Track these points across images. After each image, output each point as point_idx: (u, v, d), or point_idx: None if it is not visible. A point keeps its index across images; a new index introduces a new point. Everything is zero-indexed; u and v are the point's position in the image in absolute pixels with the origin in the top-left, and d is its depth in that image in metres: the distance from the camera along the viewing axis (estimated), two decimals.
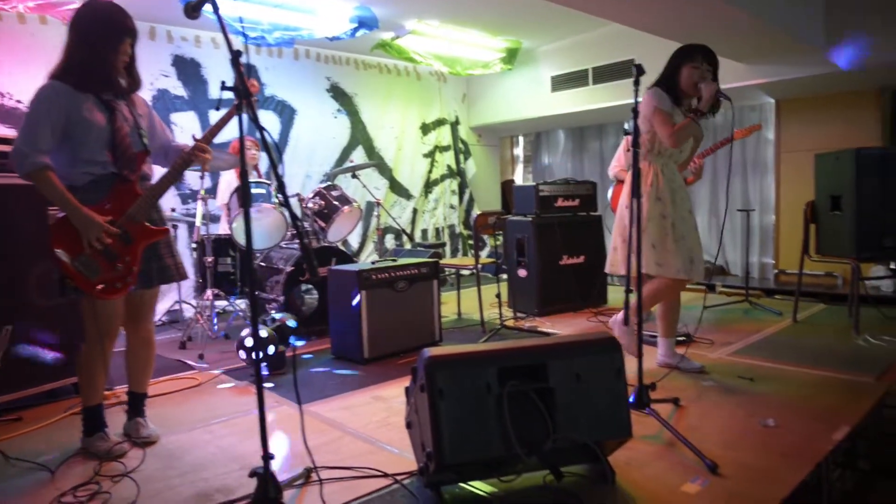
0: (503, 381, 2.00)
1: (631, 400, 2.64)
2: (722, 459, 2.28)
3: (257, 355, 1.99)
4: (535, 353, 2.13)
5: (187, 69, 5.81)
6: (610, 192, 5.25)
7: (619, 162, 5.05)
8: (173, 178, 2.59)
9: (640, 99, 2.84)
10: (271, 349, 3.70)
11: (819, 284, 6.05)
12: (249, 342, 3.68)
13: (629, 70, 6.95)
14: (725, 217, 6.77)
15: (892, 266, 5.50)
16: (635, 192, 2.77)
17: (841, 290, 5.74)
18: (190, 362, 4.02)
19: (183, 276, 2.75)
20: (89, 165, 2.45)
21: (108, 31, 2.43)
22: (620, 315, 3.32)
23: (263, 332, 3.68)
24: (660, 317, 3.55)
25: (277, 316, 3.99)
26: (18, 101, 4.78)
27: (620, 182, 5.03)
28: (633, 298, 2.98)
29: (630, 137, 3.20)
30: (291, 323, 3.94)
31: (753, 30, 4.62)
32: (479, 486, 2.19)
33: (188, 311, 5.18)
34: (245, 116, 2.03)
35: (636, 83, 2.72)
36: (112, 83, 2.50)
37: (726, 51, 5.40)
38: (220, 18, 2.04)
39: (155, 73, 5.58)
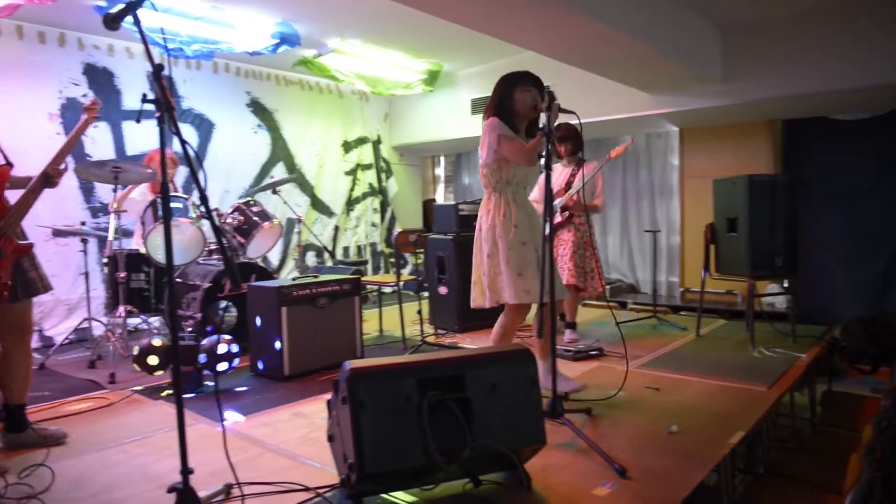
0: (423, 392, 2.06)
1: (546, 409, 2.75)
2: (630, 464, 2.42)
3: (178, 368, 1.97)
4: (453, 364, 2.21)
5: (99, 78, 5.62)
6: None
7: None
8: (35, 196, 2.63)
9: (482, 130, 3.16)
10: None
11: (721, 301, 6.46)
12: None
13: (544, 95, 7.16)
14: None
15: (785, 284, 5.92)
16: (547, 211, 2.84)
17: (740, 306, 6.13)
18: (100, 382, 3.86)
19: (48, 288, 2.81)
20: None
21: None
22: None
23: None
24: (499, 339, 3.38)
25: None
26: None
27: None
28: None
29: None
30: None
31: (654, 62, 4.91)
32: (401, 497, 2.23)
33: (97, 330, 4.96)
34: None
35: (548, 108, 2.85)
36: None
37: (634, 82, 5.74)
38: (141, 32, 2.03)
39: (64, 81, 5.37)
